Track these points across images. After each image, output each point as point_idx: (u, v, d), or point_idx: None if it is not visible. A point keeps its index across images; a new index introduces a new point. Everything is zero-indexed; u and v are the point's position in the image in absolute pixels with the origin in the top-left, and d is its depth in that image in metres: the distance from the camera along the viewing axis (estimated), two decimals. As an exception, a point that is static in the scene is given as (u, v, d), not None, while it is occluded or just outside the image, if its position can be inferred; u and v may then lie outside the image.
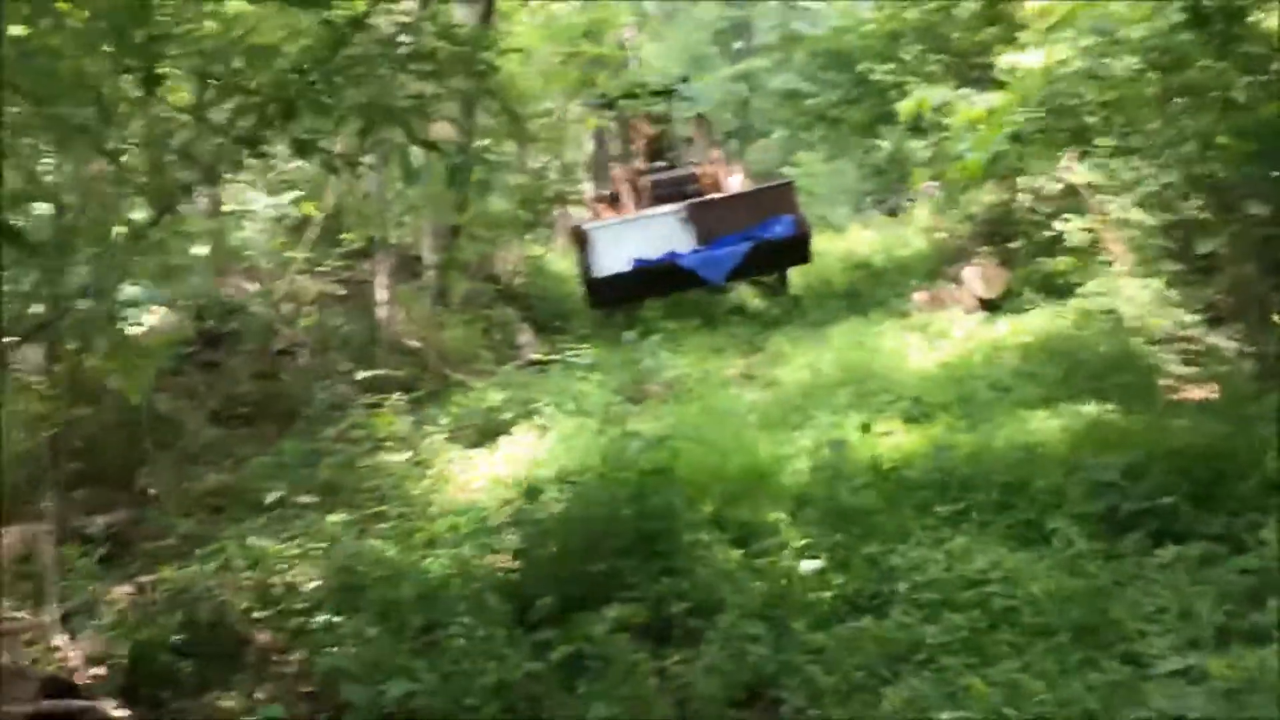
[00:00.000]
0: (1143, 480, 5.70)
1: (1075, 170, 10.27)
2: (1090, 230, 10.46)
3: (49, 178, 5.51)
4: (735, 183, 15.46)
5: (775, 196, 14.26)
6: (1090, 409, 7.33)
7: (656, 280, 13.66)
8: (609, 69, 16.54)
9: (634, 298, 14.00)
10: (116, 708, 4.73)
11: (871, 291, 14.18)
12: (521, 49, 11.59)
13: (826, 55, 15.51)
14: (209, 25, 4.60)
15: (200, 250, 9.12)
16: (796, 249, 14.11)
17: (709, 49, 30.87)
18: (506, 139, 13.37)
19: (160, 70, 4.18)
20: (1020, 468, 6.25)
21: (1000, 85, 7.42)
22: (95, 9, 3.92)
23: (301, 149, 4.44)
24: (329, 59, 4.38)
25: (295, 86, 4.27)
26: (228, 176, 5.51)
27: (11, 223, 3.78)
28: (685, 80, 17.82)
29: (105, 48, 4.08)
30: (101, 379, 7.32)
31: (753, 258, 13.52)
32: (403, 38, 4.73)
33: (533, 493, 6.36)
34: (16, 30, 3.88)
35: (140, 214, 5.90)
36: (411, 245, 13.36)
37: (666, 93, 17.34)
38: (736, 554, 5.79)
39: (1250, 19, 6.56)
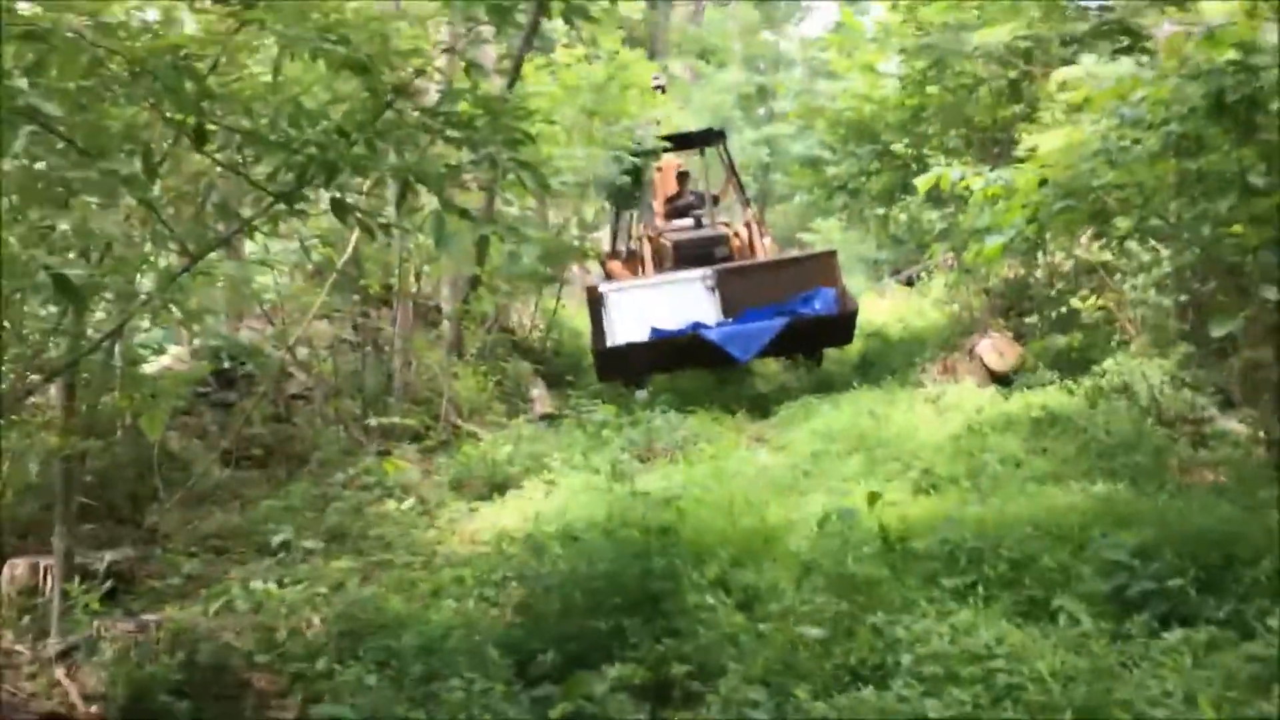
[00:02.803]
0: (1152, 561, 5.66)
1: (1092, 249, 10.34)
2: (1105, 308, 10.50)
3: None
4: (767, 247, 14.39)
5: (816, 267, 12.92)
6: (1101, 487, 7.30)
7: (676, 353, 12.51)
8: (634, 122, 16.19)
9: (648, 370, 12.84)
10: (112, 746, 4.72)
11: (885, 361, 13.91)
12: (544, 112, 11.67)
13: (848, 125, 15.60)
14: (257, 85, 4.72)
15: (219, 293, 9.23)
16: (838, 328, 12.88)
17: (734, 112, 31.21)
18: (528, 195, 13.42)
19: (210, 125, 4.31)
20: (1029, 543, 6.21)
21: (1020, 162, 7.50)
22: (143, 63, 4.04)
23: (338, 209, 4.53)
24: (372, 123, 4.49)
25: (338, 149, 4.37)
26: (264, 230, 5.63)
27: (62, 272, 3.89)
28: (722, 133, 16.29)
29: (153, 101, 4.20)
30: (116, 415, 7.40)
31: (787, 335, 12.24)
32: (443, 106, 4.83)
33: (538, 547, 6.36)
34: (68, 83, 4.01)
35: (168, 261, 6.01)
36: (430, 295, 13.47)
37: (708, 137, 16.10)
38: (740, 617, 5.77)
39: (1275, 106, 6.66)
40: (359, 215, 4.54)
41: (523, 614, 5.87)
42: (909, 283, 19.23)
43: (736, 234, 14.71)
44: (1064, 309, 11.01)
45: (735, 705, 4.75)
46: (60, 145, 4.11)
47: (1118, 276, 10.22)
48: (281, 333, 9.87)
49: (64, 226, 4.80)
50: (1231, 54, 5.88)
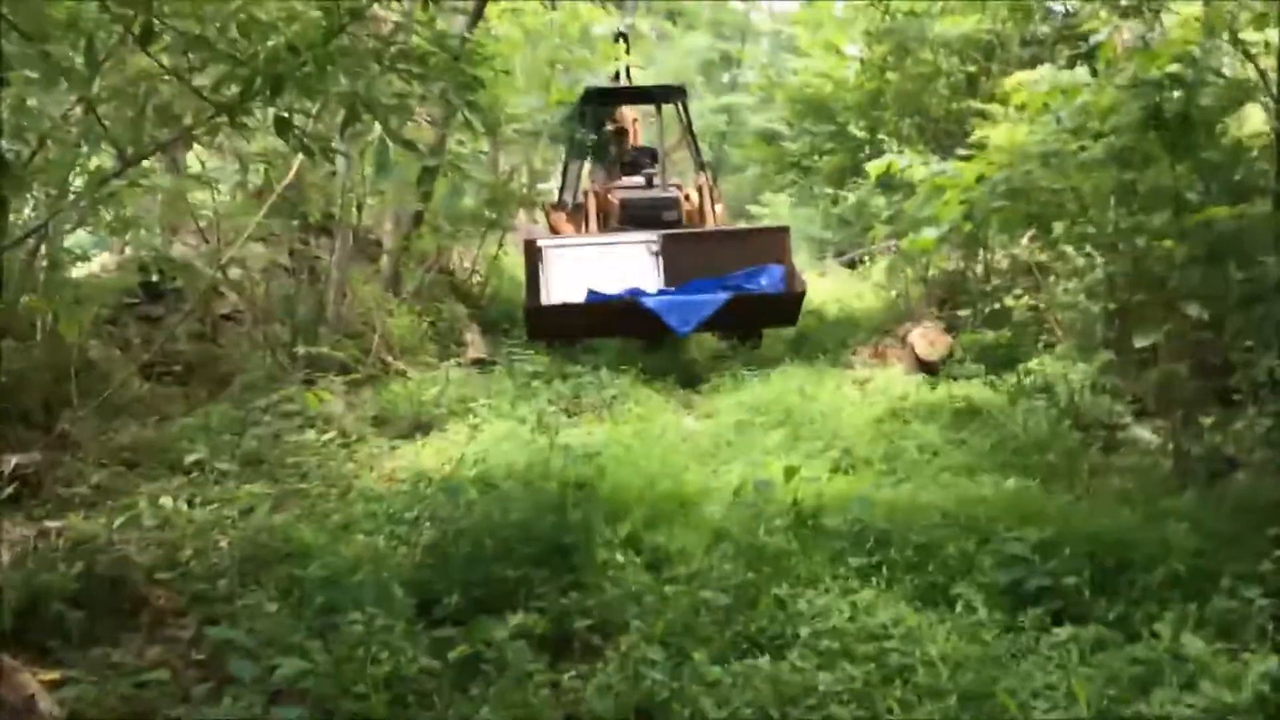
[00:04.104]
0: (1051, 558, 5.79)
1: (1030, 248, 10.51)
2: (1036, 308, 10.69)
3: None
4: (719, 214, 13.91)
5: (766, 242, 12.46)
6: (1011, 483, 7.45)
7: (611, 319, 11.95)
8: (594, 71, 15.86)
9: (580, 334, 12.32)
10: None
11: (820, 340, 13.84)
12: (501, 59, 11.52)
13: (806, 102, 15.60)
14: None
15: (153, 204, 9.06)
16: (783, 308, 12.35)
17: (696, 77, 31.08)
18: (481, 138, 13.27)
19: (155, 26, 4.20)
20: (936, 530, 6.33)
21: (969, 158, 7.59)
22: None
23: (281, 127, 4.45)
24: (323, 45, 4.41)
25: (286, 65, 4.28)
26: (204, 140, 5.52)
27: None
28: (682, 89, 15.60)
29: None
30: (34, 316, 7.24)
31: (730, 310, 11.71)
32: (399, 37, 4.77)
33: (453, 490, 6.36)
34: None
35: (102, 162, 5.87)
36: (372, 228, 13.31)
37: (667, 93, 15.39)
38: (647, 577, 5.82)
39: (1217, 125, 6.80)
40: (301, 136, 4.47)
41: (432, 555, 5.86)
42: (851, 265, 19.38)
43: (688, 196, 14.20)
44: (997, 305, 11.19)
45: (633, 662, 4.80)
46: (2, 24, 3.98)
47: (1052, 279, 10.40)
48: (215, 251, 9.69)
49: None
50: (1173, 67, 5.97)
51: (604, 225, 13.57)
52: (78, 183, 6.22)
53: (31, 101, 5.23)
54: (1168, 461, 7.81)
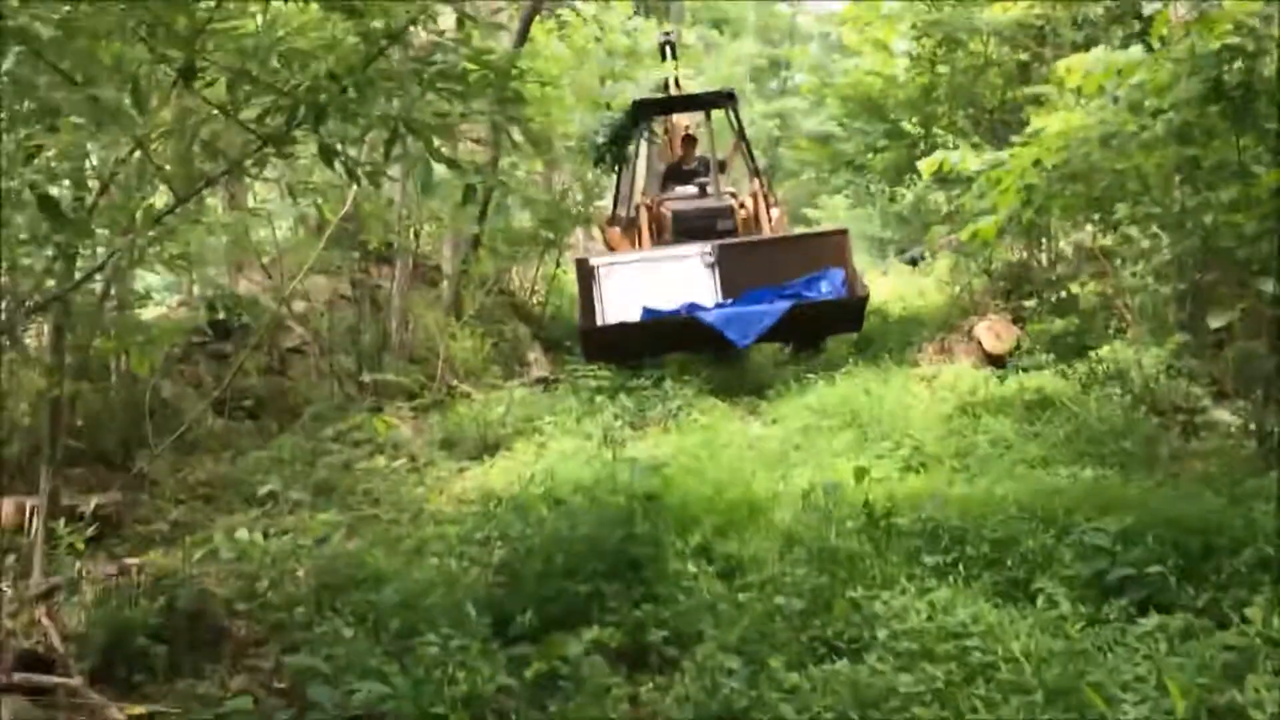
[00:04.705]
0: (1134, 548, 5.66)
1: (1094, 233, 10.31)
2: (1103, 294, 10.48)
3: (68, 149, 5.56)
4: (775, 220, 13.54)
5: (825, 246, 11.93)
6: (1089, 473, 7.30)
7: (669, 336, 11.56)
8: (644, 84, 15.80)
9: (638, 353, 11.79)
10: (88, 686, 4.75)
11: (884, 339, 13.63)
12: (548, 77, 11.53)
13: (857, 102, 15.47)
14: (249, 24, 4.67)
15: (217, 243, 9.24)
16: (846, 314, 11.86)
17: (746, 84, 31.00)
18: (533, 158, 13.34)
19: (198, 63, 4.26)
20: (1013, 525, 6.22)
21: (1022, 145, 7.47)
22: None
23: (326, 154, 4.49)
24: (363, 69, 4.44)
25: (328, 92, 4.32)
26: (252, 172, 5.61)
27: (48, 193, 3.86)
28: (732, 95, 15.12)
29: (144, 35, 4.16)
30: (107, 358, 7.41)
31: (791, 320, 11.23)
32: (437, 57, 4.78)
33: (523, 509, 6.38)
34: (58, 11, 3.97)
35: (160, 201, 5.98)
36: (431, 254, 13.45)
37: (716, 99, 14.99)
38: (720, 586, 5.79)
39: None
40: (345, 162, 4.50)
41: (504, 574, 5.88)
42: (913, 263, 19.14)
43: (743, 205, 13.82)
44: (1063, 293, 10.99)
45: (710, 672, 4.76)
46: (50, 70, 4.06)
47: (1118, 262, 10.19)
48: (279, 285, 9.86)
49: (53, 151, 4.74)
50: (1231, 38, 5.82)
51: (657, 238, 13.27)
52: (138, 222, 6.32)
53: (92, 147, 5.34)
54: (1250, 443, 7.60)
